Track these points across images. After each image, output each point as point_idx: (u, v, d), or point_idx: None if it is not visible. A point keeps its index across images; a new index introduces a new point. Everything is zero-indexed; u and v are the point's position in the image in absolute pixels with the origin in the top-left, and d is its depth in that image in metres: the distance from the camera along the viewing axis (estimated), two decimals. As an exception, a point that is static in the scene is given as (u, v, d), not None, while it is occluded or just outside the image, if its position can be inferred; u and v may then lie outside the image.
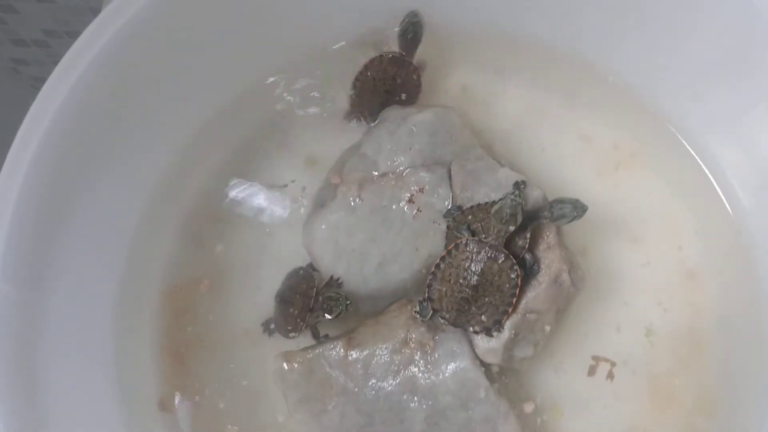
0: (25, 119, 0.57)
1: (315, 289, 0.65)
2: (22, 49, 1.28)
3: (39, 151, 0.57)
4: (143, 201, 0.70)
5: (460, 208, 0.65)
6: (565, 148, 0.76)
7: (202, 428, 0.70)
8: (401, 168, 0.69)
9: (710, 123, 0.71)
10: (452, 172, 0.67)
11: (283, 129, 0.78)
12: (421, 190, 0.67)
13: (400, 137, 0.70)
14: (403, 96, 0.75)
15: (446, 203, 0.67)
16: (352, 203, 0.68)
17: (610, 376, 0.69)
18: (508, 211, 0.60)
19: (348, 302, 0.64)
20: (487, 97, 0.77)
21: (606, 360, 0.69)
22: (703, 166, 0.73)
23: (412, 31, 0.72)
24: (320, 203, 0.71)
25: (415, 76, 0.74)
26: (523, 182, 0.64)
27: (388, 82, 0.74)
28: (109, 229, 0.67)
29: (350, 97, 0.75)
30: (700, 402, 0.69)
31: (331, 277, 0.67)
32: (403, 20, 0.72)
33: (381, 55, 0.73)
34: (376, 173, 0.70)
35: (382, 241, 0.67)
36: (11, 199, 0.56)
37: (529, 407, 0.66)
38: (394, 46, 0.74)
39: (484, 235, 0.62)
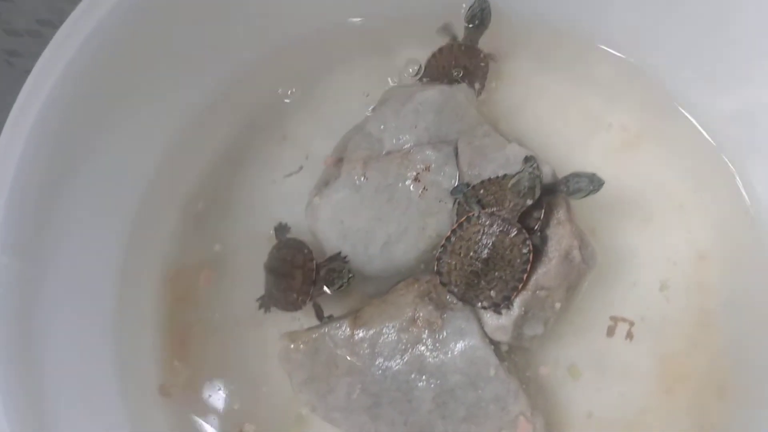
0: (22, 89, 0.56)
1: (315, 261, 0.64)
2: (15, 40, 1.26)
3: (36, 125, 0.56)
4: (145, 180, 0.70)
5: (468, 185, 0.64)
6: (573, 129, 0.75)
7: (205, 412, 0.68)
8: (407, 146, 0.68)
9: (721, 102, 0.70)
10: (459, 150, 0.66)
11: (285, 111, 0.77)
12: (427, 169, 0.66)
13: (406, 115, 0.69)
14: (475, 85, 0.74)
15: (453, 181, 0.66)
16: (357, 182, 0.67)
17: (630, 335, 0.68)
18: (526, 184, 0.59)
19: (351, 275, 0.63)
20: (492, 77, 0.76)
21: (624, 320, 0.68)
22: (714, 145, 0.72)
23: (479, 17, 0.72)
24: (324, 183, 0.70)
25: (483, 65, 0.73)
26: (533, 157, 0.63)
27: (457, 70, 0.73)
28: (110, 208, 0.66)
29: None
30: (710, 383, 0.68)
31: (339, 253, 0.66)
32: (471, 6, 0.72)
33: (452, 44, 0.73)
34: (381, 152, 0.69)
35: (388, 220, 0.66)
36: (10, 171, 0.54)
37: (545, 370, 0.65)
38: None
39: (497, 208, 0.61)
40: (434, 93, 0.69)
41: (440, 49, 0.73)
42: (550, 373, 0.67)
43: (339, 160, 0.70)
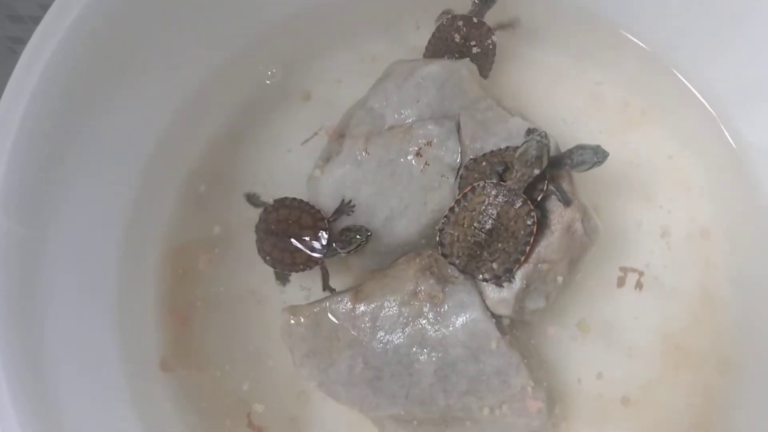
0: (20, 59, 0.56)
1: (326, 220, 0.64)
2: (18, 26, 1.26)
3: (37, 92, 0.56)
4: (146, 155, 0.69)
5: (475, 159, 0.64)
6: (577, 107, 0.75)
7: (206, 389, 0.68)
8: (409, 121, 0.68)
9: (725, 75, 0.70)
10: (461, 123, 0.66)
11: (290, 89, 0.77)
12: (429, 144, 0.66)
13: (408, 90, 0.69)
14: (480, 61, 0.73)
15: (455, 156, 0.66)
16: (359, 157, 0.67)
17: (639, 285, 0.69)
18: (534, 152, 0.58)
19: (369, 233, 0.63)
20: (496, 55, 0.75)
21: (634, 270, 0.68)
22: (720, 123, 0.72)
23: None
24: (326, 157, 0.70)
25: (489, 41, 0.73)
26: (536, 130, 0.63)
27: (462, 45, 0.72)
28: (112, 182, 0.66)
29: (425, 54, 0.74)
30: (713, 360, 0.68)
31: (342, 200, 0.65)
32: None
33: (453, 16, 0.72)
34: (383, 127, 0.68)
35: (390, 195, 0.66)
36: (10, 136, 0.54)
37: (551, 330, 0.65)
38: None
39: (509, 180, 0.60)
40: (436, 67, 0.68)
41: (444, 23, 0.73)
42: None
43: (341, 135, 0.70)
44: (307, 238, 0.64)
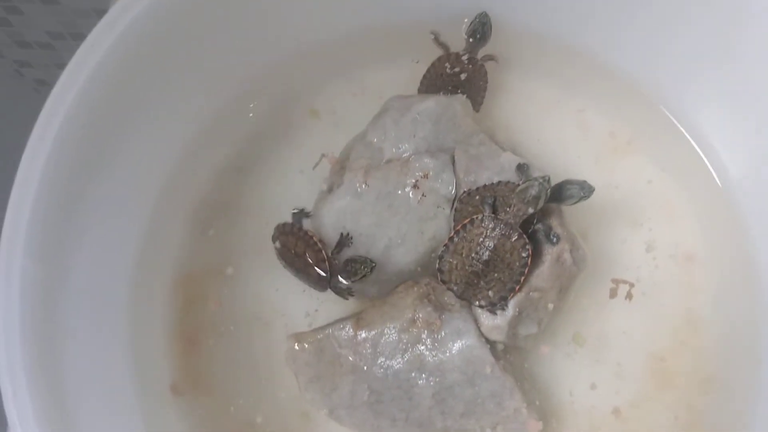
0: (43, 109, 0.59)
1: (327, 260, 0.68)
2: (26, 51, 1.29)
3: (59, 135, 0.59)
4: (156, 190, 0.72)
5: (468, 192, 0.67)
6: (564, 137, 0.78)
7: (215, 411, 0.72)
8: (406, 154, 0.71)
9: (705, 108, 0.73)
10: (456, 158, 0.70)
11: (294, 120, 0.80)
12: (425, 176, 0.69)
13: (405, 125, 0.72)
14: (475, 96, 0.76)
15: (450, 188, 0.69)
16: (359, 189, 0.70)
17: (629, 296, 0.73)
18: (533, 192, 0.62)
19: (373, 264, 0.67)
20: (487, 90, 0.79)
21: (626, 282, 0.73)
22: (699, 151, 0.75)
23: (480, 32, 0.74)
24: (328, 189, 0.73)
25: (482, 74, 0.76)
26: (526, 165, 0.66)
27: (456, 80, 0.76)
28: (124, 216, 0.68)
29: (418, 92, 0.77)
30: (697, 380, 0.71)
31: (341, 234, 0.69)
32: (474, 20, 0.74)
33: (447, 54, 0.76)
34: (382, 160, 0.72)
35: (388, 225, 0.70)
36: (33, 184, 0.58)
37: (545, 349, 0.70)
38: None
39: (503, 213, 0.64)
40: (431, 103, 0.72)
41: (439, 59, 0.76)
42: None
43: (342, 168, 0.74)
44: (310, 275, 0.68)
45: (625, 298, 0.72)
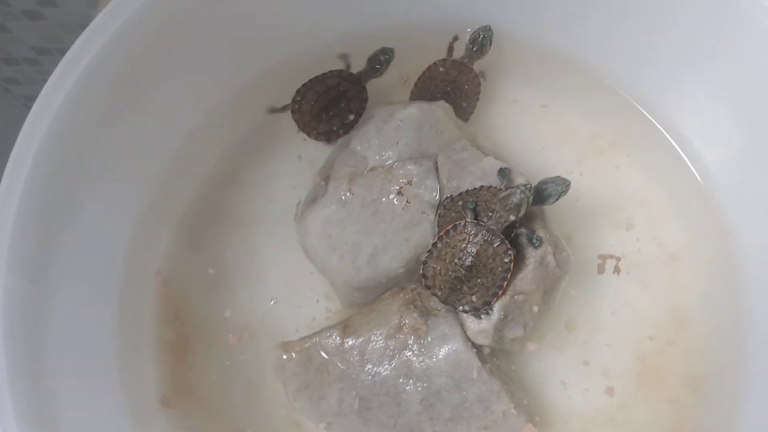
0: (26, 120, 0.59)
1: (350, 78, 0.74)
2: (13, 68, 1.30)
3: (40, 152, 0.59)
4: (141, 203, 0.72)
5: (451, 197, 0.68)
6: (546, 139, 0.79)
7: (205, 423, 0.72)
8: (389, 162, 0.72)
9: (686, 109, 0.74)
10: (438, 164, 0.70)
11: (277, 129, 0.80)
12: (409, 183, 0.70)
13: (388, 132, 0.72)
14: (463, 103, 0.77)
15: (434, 194, 0.70)
16: (343, 197, 0.71)
17: (617, 270, 0.74)
18: (515, 200, 0.62)
19: (391, 48, 0.74)
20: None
21: (612, 256, 0.74)
22: (681, 152, 0.76)
23: (480, 44, 0.75)
24: (312, 198, 0.73)
25: (475, 84, 0.77)
26: (508, 169, 0.67)
27: (448, 86, 0.76)
28: (110, 229, 0.69)
29: (411, 93, 0.78)
30: (685, 378, 0.71)
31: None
32: (476, 31, 0.75)
33: (444, 59, 0.77)
34: (365, 168, 0.72)
35: (374, 232, 0.70)
36: (15, 198, 0.58)
37: (532, 347, 0.70)
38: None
39: (485, 218, 0.64)
40: (414, 110, 0.72)
41: (434, 64, 0.77)
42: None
43: (326, 177, 0.74)
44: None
45: (614, 273, 0.73)
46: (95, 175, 0.65)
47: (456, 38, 0.77)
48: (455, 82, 0.76)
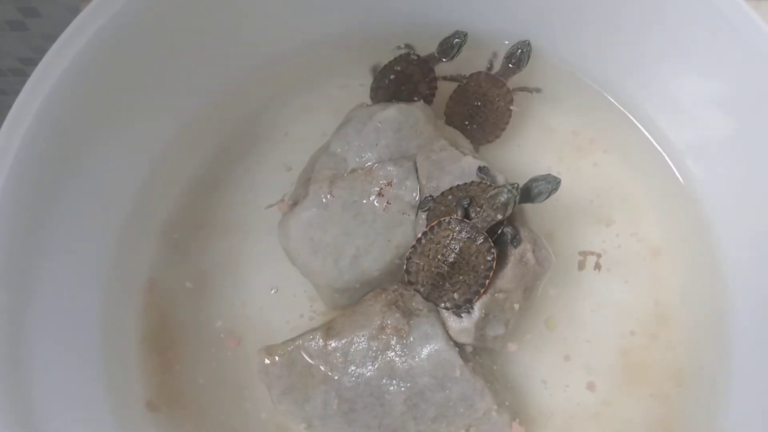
0: (3, 126, 0.59)
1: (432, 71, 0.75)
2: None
3: (19, 154, 0.59)
4: (124, 209, 0.72)
5: (432, 197, 0.68)
6: (527, 136, 0.79)
7: (192, 427, 0.72)
8: (369, 163, 0.72)
9: (663, 106, 0.74)
10: (418, 164, 0.70)
11: (261, 134, 0.81)
12: (389, 184, 0.70)
13: (367, 134, 0.73)
14: (491, 120, 0.77)
15: (414, 194, 0.70)
16: (324, 200, 0.71)
17: (597, 266, 0.74)
18: (502, 199, 0.63)
19: (464, 32, 0.74)
20: (449, 92, 0.79)
21: (593, 253, 0.74)
22: (660, 150, 0.76)
23: (518, 59, 0.75)
24: (294, 202, 0.74)
25: (507, 100, 0.76)
26: (486, 168, 0.67)
27: (479, 100, 0.76)
28: (92, 234, 0.69)
29: (446, 106, 0.79)
30: (669, 372, 0.72)
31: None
32: (515, 45, 0.75)
33: (479, 72, 0.76)
34: (346, 170, 0.73)
35: (356, 234, 0.70)
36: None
37: (513, 347, 0.70)
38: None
39: (473, 214, 0.64)
40: (393, 111, 0.73)
41: (470, 76, 0.77)
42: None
43: (307, 179, 0.74)
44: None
45: (594, 269, 0.74)
46: (76, 181, 0.65)
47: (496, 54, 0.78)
48: (486, 95, 0.76)
